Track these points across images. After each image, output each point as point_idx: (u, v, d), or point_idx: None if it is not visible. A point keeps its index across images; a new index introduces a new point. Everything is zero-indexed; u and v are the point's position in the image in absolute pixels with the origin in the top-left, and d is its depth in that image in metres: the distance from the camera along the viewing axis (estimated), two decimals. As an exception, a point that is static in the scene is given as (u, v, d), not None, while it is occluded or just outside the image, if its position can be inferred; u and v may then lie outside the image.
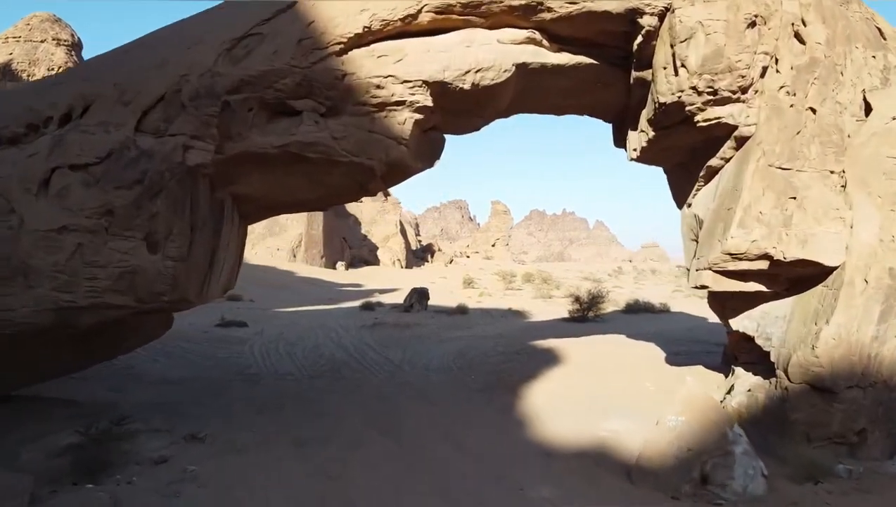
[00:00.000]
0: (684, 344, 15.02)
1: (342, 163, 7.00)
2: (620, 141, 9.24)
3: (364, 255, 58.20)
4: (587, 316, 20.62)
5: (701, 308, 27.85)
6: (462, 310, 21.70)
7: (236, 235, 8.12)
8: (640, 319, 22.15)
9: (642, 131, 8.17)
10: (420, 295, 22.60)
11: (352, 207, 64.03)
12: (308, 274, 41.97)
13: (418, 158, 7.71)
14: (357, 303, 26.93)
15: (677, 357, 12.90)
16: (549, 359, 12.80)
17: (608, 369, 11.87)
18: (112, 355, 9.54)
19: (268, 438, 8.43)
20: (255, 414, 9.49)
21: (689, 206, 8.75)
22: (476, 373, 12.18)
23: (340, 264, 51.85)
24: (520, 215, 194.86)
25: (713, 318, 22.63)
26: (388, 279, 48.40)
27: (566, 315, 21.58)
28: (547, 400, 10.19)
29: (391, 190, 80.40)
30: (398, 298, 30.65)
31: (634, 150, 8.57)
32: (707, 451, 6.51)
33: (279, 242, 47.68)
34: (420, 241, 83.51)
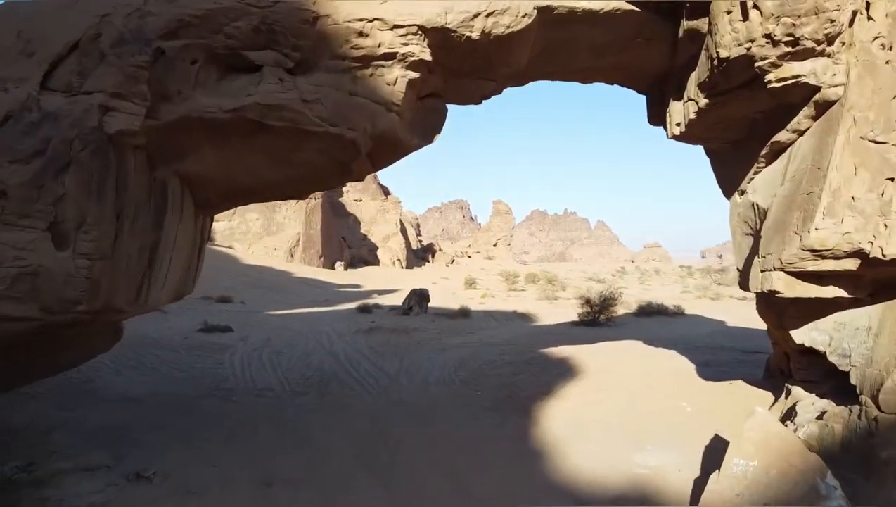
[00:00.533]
0: (709, 352, 13.38)
1: (316, 134, 5.39)
2: (657, 116, 7.59)
3: (364, 255, 56.60)
4: (599, 320, 19.00)
5: (713, 310, 26.16)
6: (464, 313, 20.06)
7: (191, 228, 6.49)
8: (654, 322, 20.50)
9: (690, 100, 6.52)
10: (420, 297, 20.98)
11: (351, 207, 62.41)
12: (305, 274, 40.36)
13: (413, 131, 6.10)
14: (354, 305, 25.33)
15: (708, 369, 11.25)
16: (565, 371, 11.17)
17: (633, 383, 10.23)
18: (52, 372, 7.92)
19: (231, 474, 6.83)
20: (221, 442, 7.88)
21: (744, 193, 7.10)
22: (482, 387, 10.54)
23: (339, 265, 50.26)
24: (521, 215, 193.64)
25: (731, 321, 20.96)
26: (388, 280, 46.75)
27: (576, 319, 19.97)
28: (567, 424, 8.55)
29: (391, 188, 78.86)
30: (397, 299, 29.01)
31: (678, 124, 6.92)
32: (791, 508, 4.92)
33: (276, 242, 46.10)
34: (421, 241, 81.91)
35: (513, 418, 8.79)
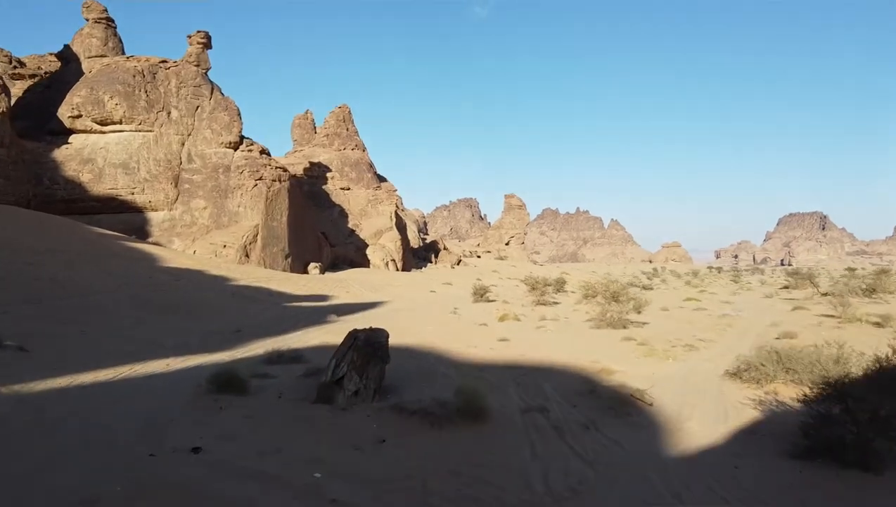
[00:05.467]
0: None
1: None
2: None
3: (350, 254, 43.84)
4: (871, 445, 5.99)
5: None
6: (472, 410, 7.00)
7: None
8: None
9: None
10: (366, 354, 8.11)
11: (337, 196, 49.63)
12: (252, 281, 27.67)
13: None
14: (277, 341, 12.75)
15: None
16: None
17: None
18: None
19: None
20: None
21: None
22: None
23: (314, 267, 37.48)
24: (532, 214, 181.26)
25: None
26: (373, 287, 33.95)
27: (757, 412, 7.17)
28: None
29: (387, 176, 66.04)
30: (371, 320, 16.26)
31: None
32: None
33: (227, 237, 33.45)
34: (424, 238, 68.98)
35: None
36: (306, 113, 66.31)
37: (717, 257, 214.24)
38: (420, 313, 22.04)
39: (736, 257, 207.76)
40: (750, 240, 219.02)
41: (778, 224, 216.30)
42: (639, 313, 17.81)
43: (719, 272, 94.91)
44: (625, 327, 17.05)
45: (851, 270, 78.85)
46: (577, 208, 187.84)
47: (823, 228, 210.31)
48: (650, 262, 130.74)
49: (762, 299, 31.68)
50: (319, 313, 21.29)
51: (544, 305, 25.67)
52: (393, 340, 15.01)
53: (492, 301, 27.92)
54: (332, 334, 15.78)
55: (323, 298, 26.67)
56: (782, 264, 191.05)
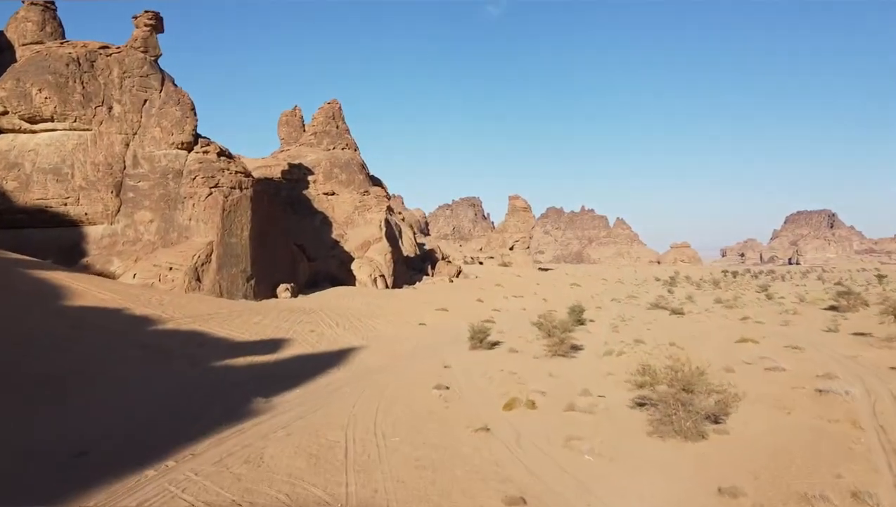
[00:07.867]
0: None
1: None
2: None
3: (332, 269, 37.25)
4: None
5: None
6: None
7: None
8: None
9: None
10: None
11: (320, 202, 42.96)
12: (186, 323, 21.10)
13: None
14: None
15: None
16: None
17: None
18: None
19: None
20: None
21: None
22: None
23: (285, 289, 30.91)
24: (536, 212, 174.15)
25: None
26: (349, 321, 27.34)
27: None
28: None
29: (393, 185, 59.31)
30: (310, 411, 9.68)
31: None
32: None
33: (174, 258, 26.89)
34: (422, 245, 62.12)
35: None
36: (294, 109, 59.58)
37: (723, 256, 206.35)
38: (394, 381, 15.48)
39: (742, 255, 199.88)
40: (756, 238, 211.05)
41: (785, 222, 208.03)
42: (727, 415, 11.13)
43: (734, 277, 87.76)
44: (703, 437, 10.42)
45: (881, 276, 71.52)
46: (582, 207, 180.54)
47: (832, 227, 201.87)
48: (658, 263, 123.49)
49: (827, 336, 24.85)
50: (252, 382, 14.75)
51: (563, 356, 19.08)
52: (329, 488, 8.40)
53: (495, 345, 21.38)
54: (234, 457, 9.18)
55: (274, 346, 20.13)
56: (790, 263, 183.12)
